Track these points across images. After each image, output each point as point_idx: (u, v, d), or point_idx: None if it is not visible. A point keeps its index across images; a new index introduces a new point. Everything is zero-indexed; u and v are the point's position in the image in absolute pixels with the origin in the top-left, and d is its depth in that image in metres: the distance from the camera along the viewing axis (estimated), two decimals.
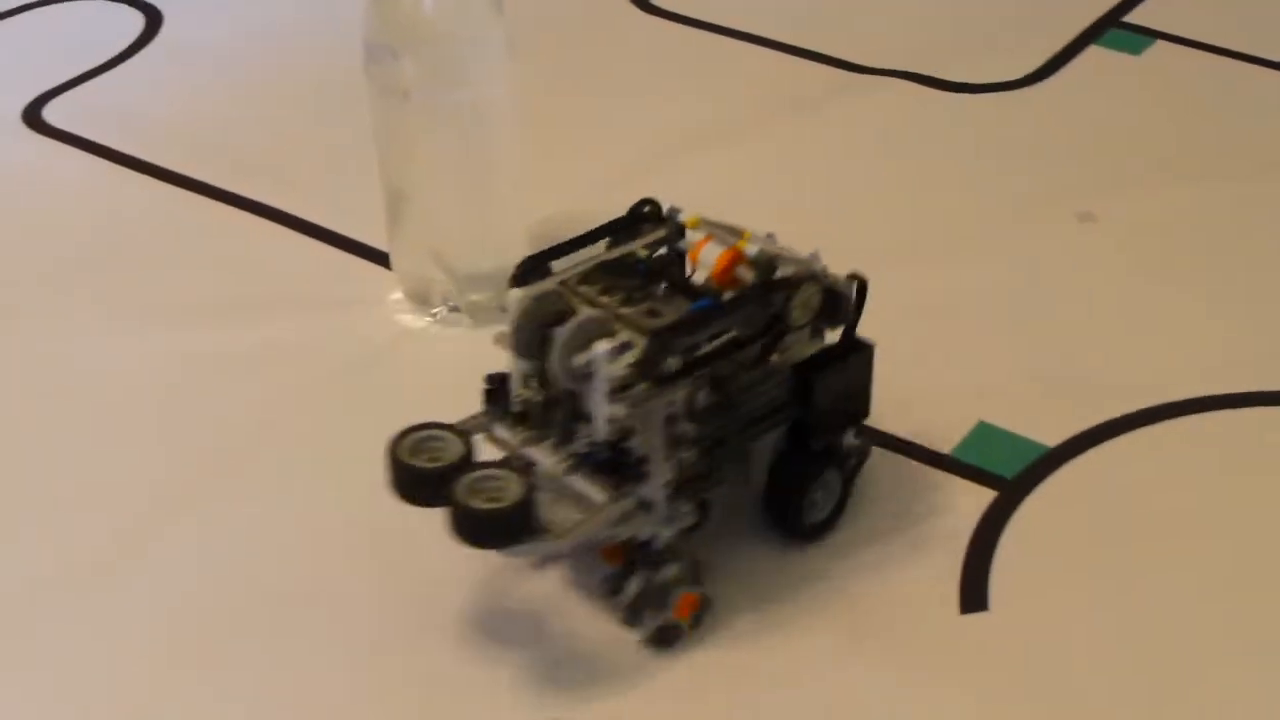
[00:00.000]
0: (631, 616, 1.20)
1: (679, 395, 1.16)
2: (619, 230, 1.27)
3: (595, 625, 1.22)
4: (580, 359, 1.14)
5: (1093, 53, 1.86)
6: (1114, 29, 1.90)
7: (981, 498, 1.33)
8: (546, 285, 1.21)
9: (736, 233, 1.24)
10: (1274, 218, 1.62)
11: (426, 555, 1.27)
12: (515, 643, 1.22)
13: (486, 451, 1.19)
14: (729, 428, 1.20)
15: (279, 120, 1.77)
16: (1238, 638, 1.22)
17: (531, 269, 1.22)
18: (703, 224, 1.25)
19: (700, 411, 1.17)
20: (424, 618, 1.23)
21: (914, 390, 1.40)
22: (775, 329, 1.21)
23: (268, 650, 1.22)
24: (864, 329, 1.27)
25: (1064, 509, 1.32)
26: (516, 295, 1.18)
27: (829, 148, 1.72)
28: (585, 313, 1.16)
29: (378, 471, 1.33)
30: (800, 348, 1.25)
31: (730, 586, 1.24)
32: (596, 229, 1.27)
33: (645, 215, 1.28)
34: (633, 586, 1.20)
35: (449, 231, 1.48)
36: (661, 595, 1.20)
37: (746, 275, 1.22)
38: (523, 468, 1.15)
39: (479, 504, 1.11)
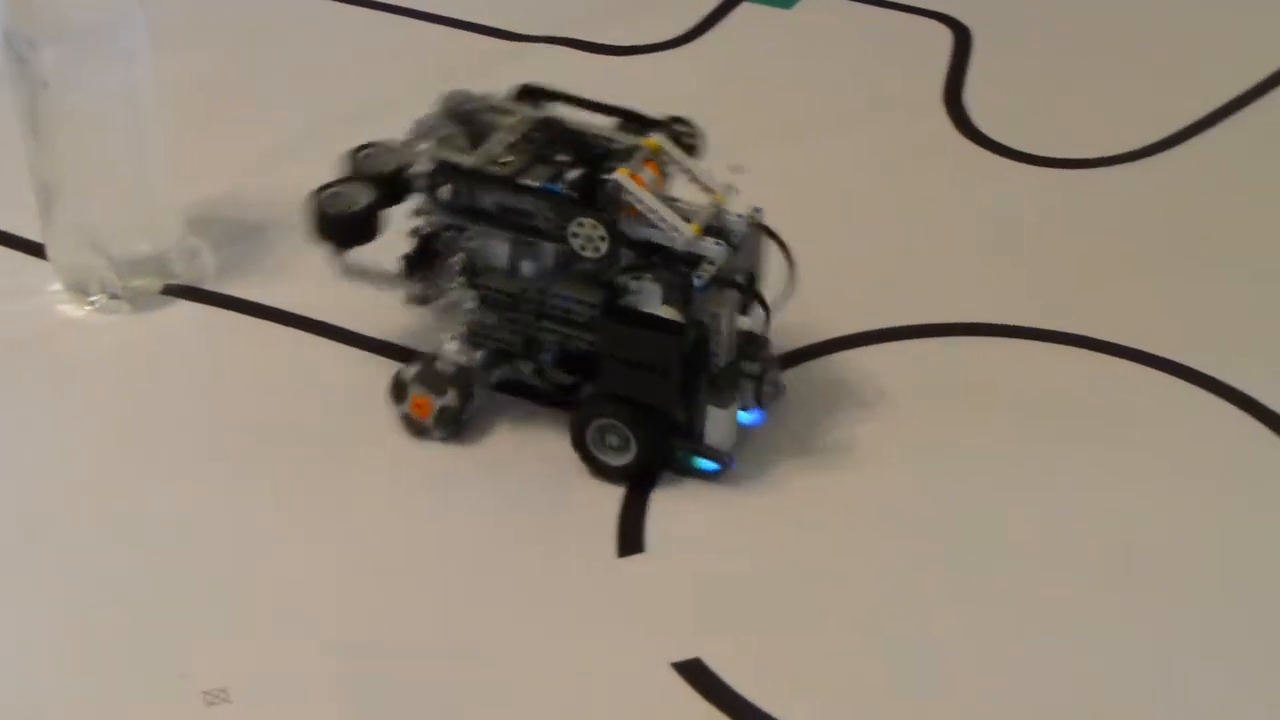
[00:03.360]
0: (394, 390, 1.36)
1: (469, 239, 1.32)
2: (636, 121, 1.36)
3: None
4: (415, 147, 1.32)
5: (745, 9, 1.93)
6: None
7: None
8: (493, 101, 1.37)
9: (706, 187, 1.32)
10: (920, 158, 1.69)
11: (101, 541, 1.31)
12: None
13: None
14: (513, 301, 1.33)
15: None
16: (882, 566, 1.29)
17: (533, 90, 1.38)
18: (663, 153, 1.32)
19: (483, 267, 1.33)
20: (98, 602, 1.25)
21: None
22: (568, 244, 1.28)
23: None
24: None
25: None
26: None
27: None
28: (453, 129, 1.33)
29: (45, 462, 1.35)
30: (643, 299, 1.30)
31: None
32: (618, 107, 1.36)
33: (662, 124, 1.35)
34: (410, 369, 1.35)
35: (103, 219, 1.49)
36: (403, 387, 1.35)
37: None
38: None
39: (321, 205, 1.35)
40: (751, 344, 1.33)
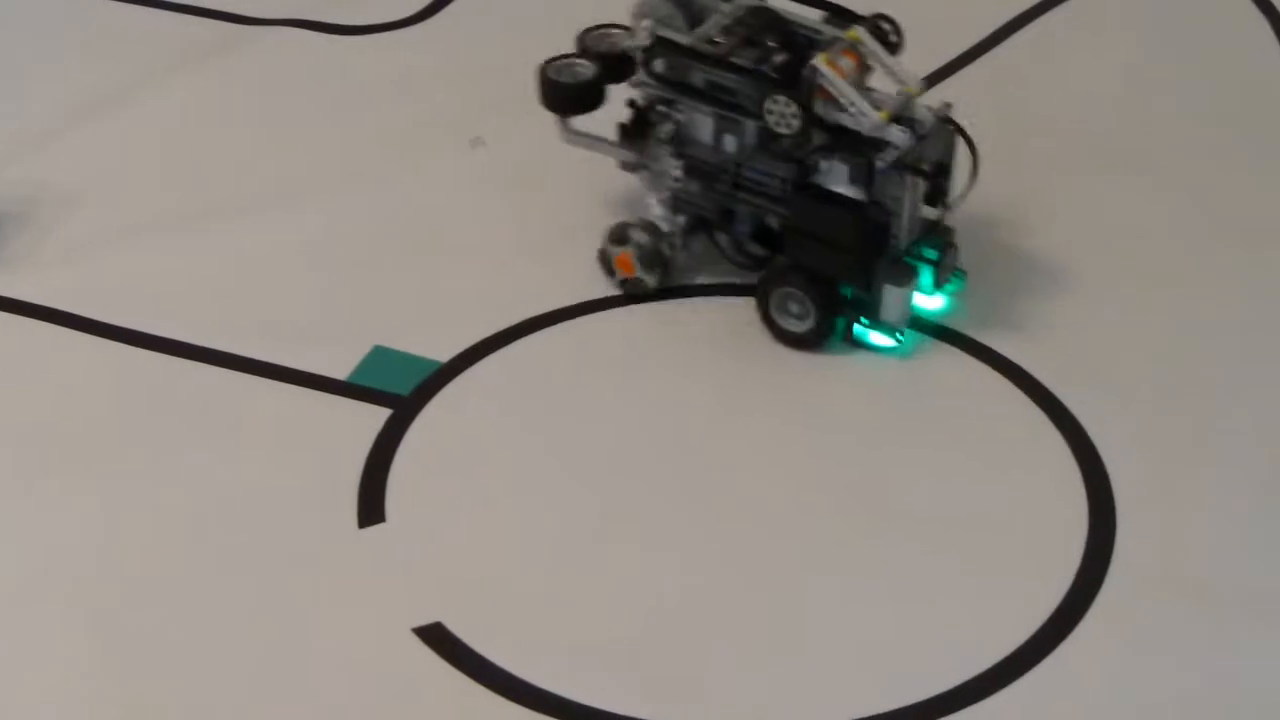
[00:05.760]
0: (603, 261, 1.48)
1: (679, 112, 1.43)
2: (842, 15, 1.42)
3: None
4: (637, 24, 1.42)
5: None
6: None
7: (378, 417, 1.38)
8: None
9: (900, 80, 1.38)
10: None
11: None
12: None
13: None
14: (714, 172, 1.43)
15: None
16: (615, 521, 1.32)
17: None
18: (862, 44, 1.38)
19: (689, 139, 1.43)
20: None
21: (309, 323, 1.48)
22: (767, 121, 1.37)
23: None
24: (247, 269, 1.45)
25: (457, 418, 1.39)
26: None
27: (224, 100, 1.75)
28: (671, 10, 1.42)
29: None
30: (831, 179, 1.36)
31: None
32: (825, 1, 1.43)
33: (862, 18, 1.40)
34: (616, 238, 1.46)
35: None
36: (608, 253, 1.47)
37: None
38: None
39: (551, 75, 1.46)
40: (934, 231, 1.41)
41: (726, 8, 1.42)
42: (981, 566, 1.26)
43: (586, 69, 1.45)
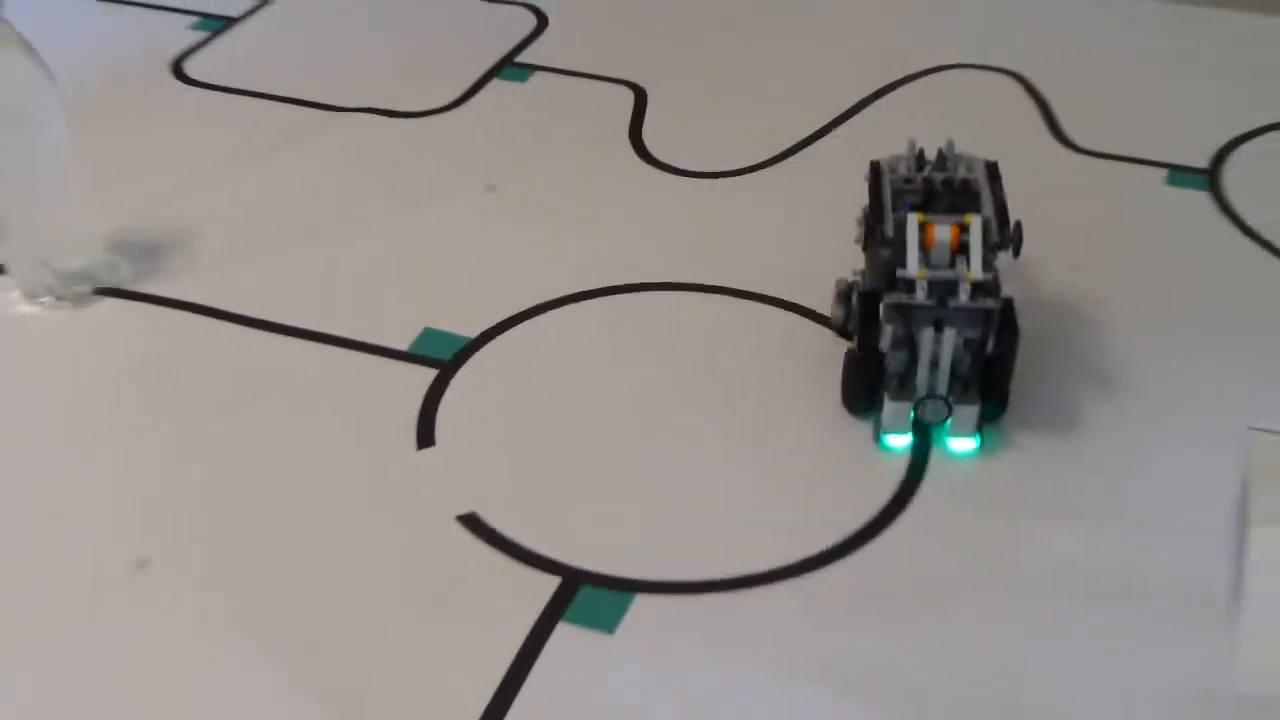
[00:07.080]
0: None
1: (872, 213, 1.30)
2: (998, 207, 1.26)
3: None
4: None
5: (495, 85, 1.98)
6: (508, 67, 2.01)
7: (429, 374, 1.46)
8: (966, 159, 1.30)
9: (969, 263, 1.21)
10: (610, 177, 1.76)
11: (69, 459, 1.36)
12: None
13: None
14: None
15: None
16: (614, 442, 1.35)
17: (992, 168, 1.30)
18: (969, 229, 1.21)
19: (879, 235, 1.28)
20: None
21: (380, 311, 1.53)
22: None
23: None
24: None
25: (485, 374, 1.46)
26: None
27: (316, 164, 1.80)
28: (896, 166, 1.31)
29: (12, 416, 1.37)
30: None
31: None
32: (1004, 204, 1.26)
33: (1004, 221, 1.26)
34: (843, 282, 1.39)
35: (47, 243, 1.57)
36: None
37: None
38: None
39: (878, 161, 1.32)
40: (962, 384, 1.27)
41: (961, 169, 1.29)
42: (831, 473, 1.33)
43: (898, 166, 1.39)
